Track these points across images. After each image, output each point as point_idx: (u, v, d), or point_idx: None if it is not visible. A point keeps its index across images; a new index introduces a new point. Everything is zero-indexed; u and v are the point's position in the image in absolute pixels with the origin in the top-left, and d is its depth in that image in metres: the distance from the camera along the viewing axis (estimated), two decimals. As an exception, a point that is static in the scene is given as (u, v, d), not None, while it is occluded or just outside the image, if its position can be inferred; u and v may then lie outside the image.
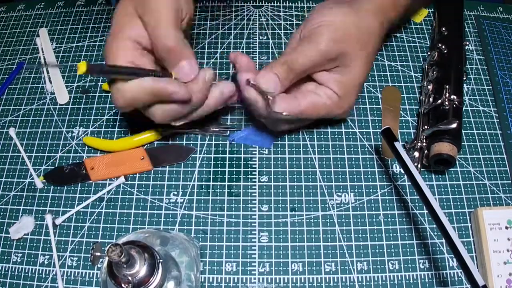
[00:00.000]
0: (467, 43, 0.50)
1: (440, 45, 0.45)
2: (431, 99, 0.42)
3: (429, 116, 0.42)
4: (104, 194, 0.41)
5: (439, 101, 0.41)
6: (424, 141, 0.41)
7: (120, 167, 0.42)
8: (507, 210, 0.38)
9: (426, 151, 0.41)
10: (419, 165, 0.41)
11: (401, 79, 0.47)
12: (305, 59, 0.36)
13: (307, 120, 0.41)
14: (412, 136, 0.44)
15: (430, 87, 0.43)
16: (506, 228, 0.37)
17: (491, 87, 0.47)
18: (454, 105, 0.41)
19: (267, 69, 0.36)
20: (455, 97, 0.41)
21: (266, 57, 0.49)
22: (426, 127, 0.42)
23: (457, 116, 0.40)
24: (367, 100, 0.46)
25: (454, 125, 0.38)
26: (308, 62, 0.36)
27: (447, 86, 0.42)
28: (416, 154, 0.41)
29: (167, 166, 0.42)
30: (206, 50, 0.49)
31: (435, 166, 0.40)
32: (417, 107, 0.45)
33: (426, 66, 0.46)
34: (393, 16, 0.40)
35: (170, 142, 0.44)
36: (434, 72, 0.44)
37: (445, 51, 0.45)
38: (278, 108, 0.35)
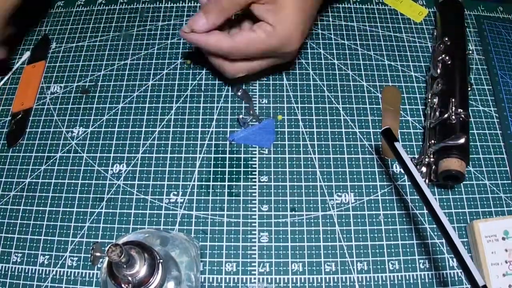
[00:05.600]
0: (470, 51, 0.49)
1: (443, 56, 0.44)
2: (437, 113, 0.41)
3: (436, 130, 0.41)
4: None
5: (446, 115, 0.40)
6: (432, 156, 0.40)
7: None
8: (503, 221, 0.38)
9: (434, 166, 0.40)
10: (427, 180, 0.40)
11: (401, 79, 0.47)
12: None
13: (256, 64, 0.41)
14: (414, 141, 0.44)
15: (435, 100, 0.42)
16: (503, 239, 0.37)
17: (491, 87, 0.47)
18: (461, 119, 0.40)
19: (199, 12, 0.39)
20: (461, 110, 0.40)
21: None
22: (433, 141, 0.40)
23: (464, 130, 0.39)
24: (367, 100, 0.46)
25: (462, 140, 0.37)
26: None
27: (453, 100, 0.40)
28: (424, 169, 0.40)
29: (167, 166, 0.42)
30: (206, 50, 0.49)
31: (444, 181, 0.39)
32: (422, 111, 0.46)
33: (429, 78, 0.45)
34: None
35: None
36: (439, 85, 0.43)
37: (449, 62, 0.43)
38: (211, 40, 0.38)
